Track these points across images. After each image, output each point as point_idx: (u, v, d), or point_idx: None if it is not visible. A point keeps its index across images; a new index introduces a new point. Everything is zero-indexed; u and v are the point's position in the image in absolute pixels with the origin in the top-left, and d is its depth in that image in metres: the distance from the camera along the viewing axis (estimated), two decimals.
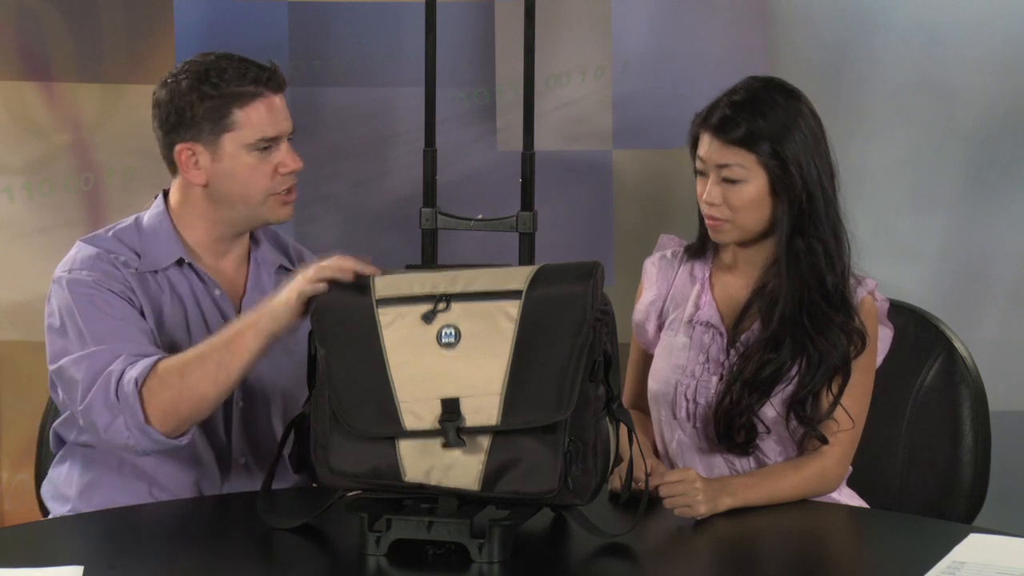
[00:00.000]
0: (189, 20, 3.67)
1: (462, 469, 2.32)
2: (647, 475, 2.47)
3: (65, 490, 2.80)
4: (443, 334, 2.33)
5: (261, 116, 2.74)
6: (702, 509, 2.51)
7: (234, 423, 2.79)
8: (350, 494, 2.44)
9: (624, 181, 3.76)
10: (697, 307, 2.80)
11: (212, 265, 2.82)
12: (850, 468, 2.77)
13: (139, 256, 2.77)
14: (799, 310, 2.69)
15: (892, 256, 3.70)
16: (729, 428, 2.70)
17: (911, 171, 3.78)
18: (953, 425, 2.94)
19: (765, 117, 2.69)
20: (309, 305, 2.45)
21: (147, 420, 2.58)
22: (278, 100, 2.76)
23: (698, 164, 2.74)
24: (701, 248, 2.84)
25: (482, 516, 2.33)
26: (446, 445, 2.30)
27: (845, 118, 3.64)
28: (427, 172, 3.31)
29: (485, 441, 2.32)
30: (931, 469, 2.95)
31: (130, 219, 2.84)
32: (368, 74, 3.74)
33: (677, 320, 2.81)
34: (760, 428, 2.70)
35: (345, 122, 3.75)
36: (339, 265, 2.44)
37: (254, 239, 2.87)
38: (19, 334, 3.66)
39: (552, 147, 3.71)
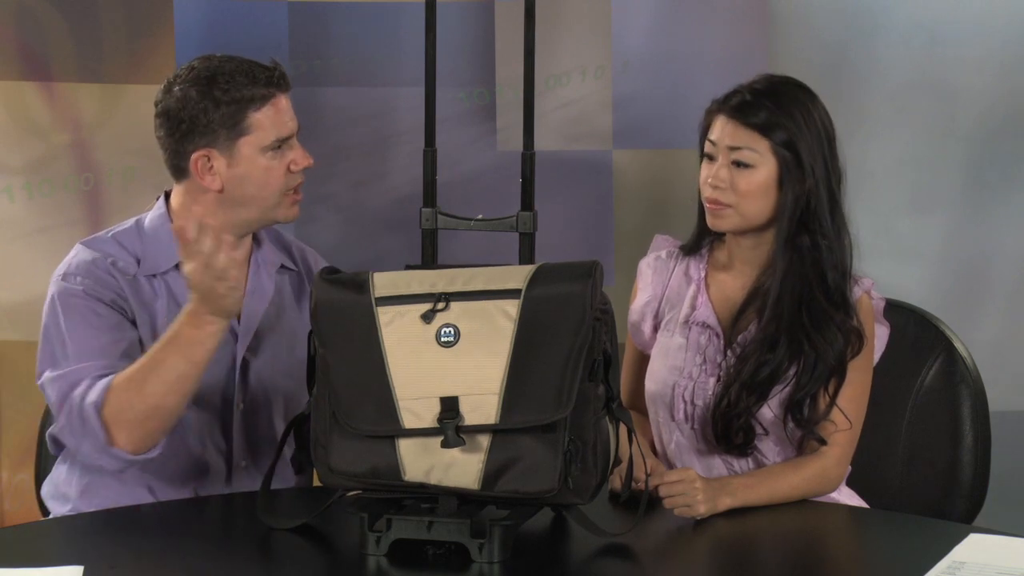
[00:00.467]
0: (189, 20, 3.67)
1: (462, 468, 2.32)
2: (647, 475, 2.47)
3: (65, 490, 2.80)
4: (442, 333, 2.33)
5: (274, 117, 2.75)
6: (702, 509, 2.51)
7: (235, 426, 2.79)
8: (350, 494, 2.44)
9: (624, 181, 3.76)
10: (693, 308, 2.79)
11: None
12: (849, 468, 2.77)
13: (138, 259, 2.77)
14: (798, 307, 2.69)
15: (892, 256, 3.70)
16: (727, 429, 2.70)
17: (911, 171, 3.78)
18: (953, 425, 2.94)
19: (784, 108, 2.70)
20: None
21: (112, 442, 2.61)
22: (285, 99, 2.78)
23: (707, 147, 2.74)
24: (697, 244, 2.83)
25: (482, 516, 2.33)
26: (445, 444, 2.30)
27: (845, 118, 3.62)
28: (427, 172, 3.31)
29: (485, 440, 2.32)
30: (931, 469, 2.95)
31: (131, 221, 2.84)
32: (368, 74, 3.74)
33: (673, 321, 2.81)
34: (758, 430, 2.70)
35: (345, 122, 3.75)
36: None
37: (256, 240, 2.87)
38: (19, 334, 3.66)
39: (552, 147, 3.71)
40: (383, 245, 3.72)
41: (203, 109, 2.72)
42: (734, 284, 2.78)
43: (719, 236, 2.82)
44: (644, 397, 2.84)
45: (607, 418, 2.40)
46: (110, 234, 2.81)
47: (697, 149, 2.79)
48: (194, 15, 3.68)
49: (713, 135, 2.73)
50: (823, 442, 2.68)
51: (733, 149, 2.70)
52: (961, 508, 2.92)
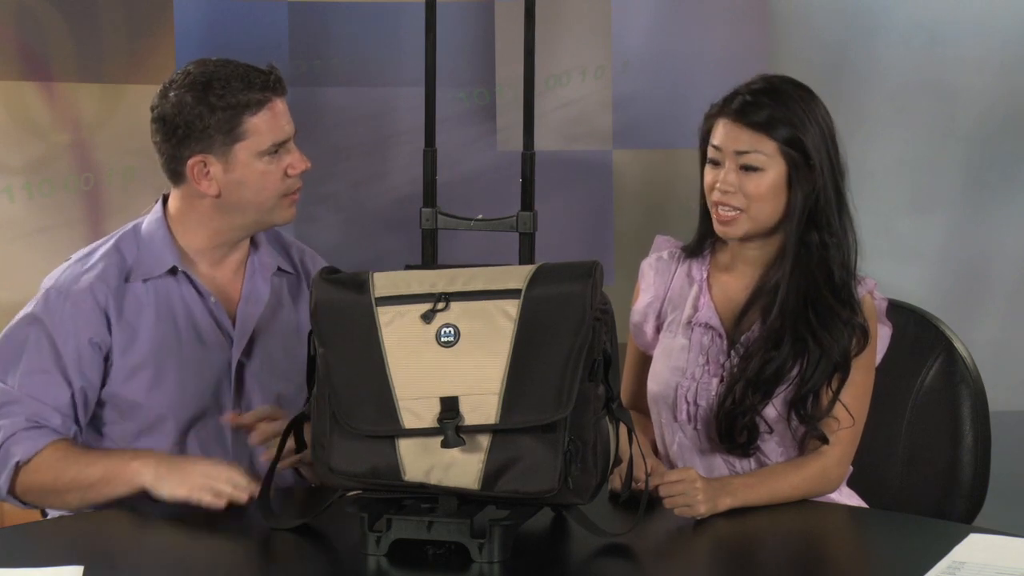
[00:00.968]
0: (189, 20, 3.67)
1: (462, 468, 2.32)
2: (647, 475, 2.47)
3: None
4: (442, 333, 2.33)
5: (270, 122, 2.74)
6: (702, 509, 2.51)
7: (231, 430, 2.78)
8: (350, 494, 2.44)
9: (624, 181, 3.77)
10: (696, 308, 2.79)
11: (208, 272, 2.81)
12: (850, 468, 2.77)
13: (132, 267, 2.76)
14: (804, 303, 2.68)
15: (892, 256, 3.70)
16: (731, 429, 2.70)
17: (911, 171, 3.78)
18: (953, 425, 2.94)
19: (785, 105, 2.69)
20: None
21: (12, 492, 2.67)
22: (282, 103, 2.77)
23: (711, 152, 2.72)
24: (699, 247, 2.83)
25: (482, 516, 2.33)
26: (445, 444, 2.30)
27: (845, 118, 3.62)
28: (427, 172, 3.31)
29: (485, 440, 2.32)
30: (931, 469, 2.95)
31: (129, 225, 2.84)
32: (368, 74, 3.75)
33: (675, 322, 2.81)
34: (762, 428, 2.70)
35: (345, 122, 3.76)
36: (230, 493, 2.51)
37: (253, 243, 2.86)
38: None
39: (552, 147, 3.71)
40: (383, 245, 3.72)
41: (199, 115, 2.71)
42: (737, 285, 2.78)
43: (721, 238, 2.81)
44: (646, 398, 2.84)
45: (607, 418, 2.40)
46: (111, 240, 2.80)
47: (697, 150, 2.78)
48: (194, 15, 3.68)
49: (716, 140, 2.71)
50: (825, 439, 2.68)
51: (740, 154, 2.69)
52: (961, 508, 2.92)
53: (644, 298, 2.86)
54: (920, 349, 2.97)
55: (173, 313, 2.77)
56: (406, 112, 3.69)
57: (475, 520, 2.31)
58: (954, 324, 3.01)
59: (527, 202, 3.28)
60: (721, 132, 2.70)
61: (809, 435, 2.70)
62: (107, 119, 3.66)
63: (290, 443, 2.55)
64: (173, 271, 2.77)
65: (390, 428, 2.33)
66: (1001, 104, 3.76)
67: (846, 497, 2.77)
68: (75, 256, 2.81)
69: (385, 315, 2.35)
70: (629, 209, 3.77)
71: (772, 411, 2.70)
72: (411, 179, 3.55)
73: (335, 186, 3.75)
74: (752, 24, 3.75)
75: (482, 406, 2.31)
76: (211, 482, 2.53)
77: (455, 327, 2.33)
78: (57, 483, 2.64)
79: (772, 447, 2.73)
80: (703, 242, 2.82)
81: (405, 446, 2.33)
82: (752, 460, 2.73)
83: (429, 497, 2.36)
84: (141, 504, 2.62)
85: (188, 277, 2.78)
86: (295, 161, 2.76)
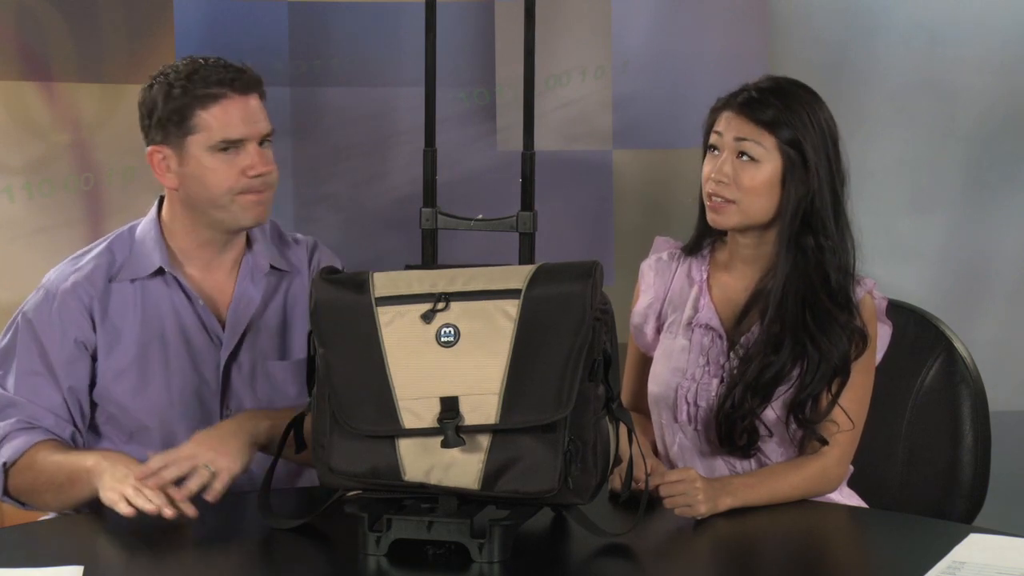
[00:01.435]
0: (189, 20, 3.67)
1: (462, 468, 2.32)
2: (647, 475, 2.47)
3: None
4: (442, 333, 2.33)
5: (223, 117, 2.71)
6: (702, 509, 2.51)
7: None
8: (350, 494, 2.44)
9: (624, 181, 3.76)
10: (696, 309, 2.79)
11: (198, 274, 2.79)
12: (851, 468, 2.77)
13: (121, 267, 2.76)
14: (802, 308, 2.69)
15: (892, 256, 3.70)
16: (731, 431, 2.70)
17: (911, 171, 3.78)
18: (953, 425, 2.94)
19: (791, 108, 2.70)
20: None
21: (6, 492, 2.69)
22: (248, 101, 2.73)
23: (713, 137, 2.73)
24: (698, 245, 2.83)
25: (482, 516, 2.33)
26: (445, 444, 2.30)
27: (845, 118, 3.61)
28: (427, 172, 3.31)
29: (485, 440, 2.32)
30: (931, 469, 2.95)
31: (127, 226, 2.84)
32: (368, 74, 3.74)
33: (676, 323, 2.81)
34: (762, 431, 2.70)
35: (345, 122, 3.75)
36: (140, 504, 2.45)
37: (249, 244, 2.84)
38: None
39: (552, 147, 3.71)
40: (383, 245, 3.72)
41: (155, 105, 2.73)
42: (736, 285, 2.78)
43: (720, 236, 2.81)
44: (646, 399, 2.84)
45: (607, 418, 2.40)
46: (105, 242, 2.81)
47: (699, 148, 2.78)
48: (194, 15, 3.68)
49: (719, 127, 2.72)
50: (824, 442, 2.68)
51: (739, 140, 2.69)
52: (961, 508, 2.92)
53: (644, 299, 2.86)
54: (920, 349, 2.97)
55: (160, 315, 2.76)
56: (406, 112, 3.69)
57: (475, 520, 2.31)
58: (954, 324, 3.01)
59: (527, 202, 3.27)
60: (724, 121, 2.72)
61: (808, 438, 2.70)
62: (107, 119, 3.66)
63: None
64: (161, 272, 2.76)
65: (390, 428, 2.33)
66: (1001, 104, 3.76)
67: (846, 497, 2.77)
68: (74, 254, 2.82)
69: (385, 315, 2.35)
70: (629, 209, 3.76)
71: (771, 414, 2.70)
72: (411, 179, 3.55)
73: (335, 186, 3.75)
74: (752, 24, 3.75)
75: (482, 406, 2.31)
76: (121, 489, 2.48)
77: (455, 327, 2.33)
78: (36, 483, 2.66)
79: (773, 448, 2.73)
80: (702, 239, 2.83)
81: (405, 446, 2.33)
82: (753, 461, 2.73)
83: (429, 497, 2.36)
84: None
85: (176, 279, 2.76)
86: (255, 162, 2.72)
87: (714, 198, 2.71)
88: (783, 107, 2.70)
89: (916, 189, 3.78)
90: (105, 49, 3.66)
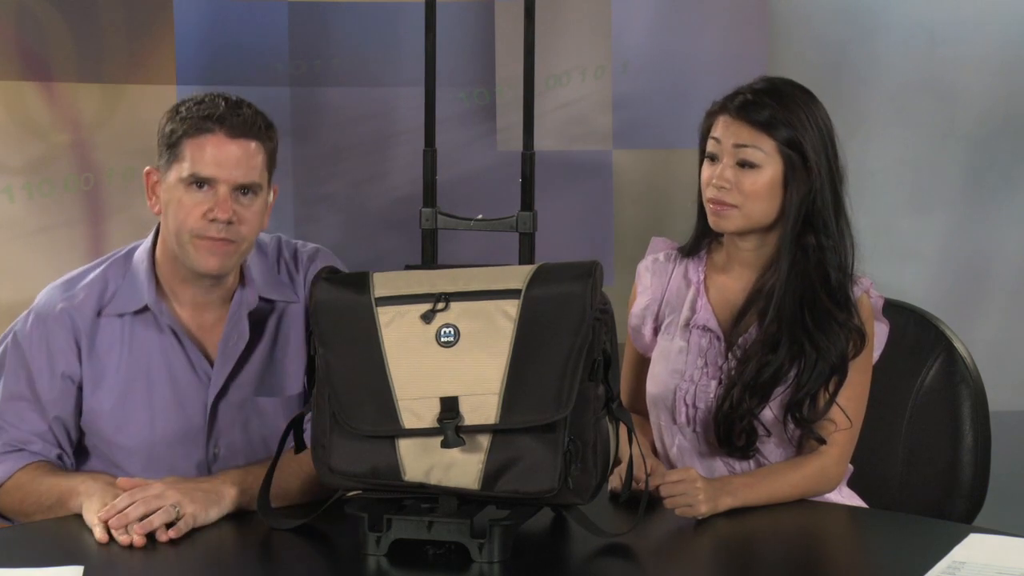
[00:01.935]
0: (189, 20, 3.67)
1: (462, 468, 2.32)
2: (647, 475, 2.47)
3: None
4: (442, 333, 2.33)
5: (198, 152, 2.61)
6: (703, 509, 2.51)
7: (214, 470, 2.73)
8: (350, 494, 2.44)
9: (624, 181, 3.77)
10: (693, 311, 2.79)
11: (186, 311, 2.71)
12: (851, 467, 2.76)
13: (110, 299, 2.70)
14: (800, 306, 2.68)
15: (892, 256, 3.70)
16: (729, 432, 2.70)
17: (911, 171, 3.79)
18: (953, 425, 2.94)
19: (787, 108, 2.69)
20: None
21: None
22: (232, 144, 2.61)
23: (711, 145, 2.72)
24: (696, 246, 2.83)
25: (482, 516, 2.33)
26: (445, 444, 2.30)
27: (845, 118, 3.62)
28: (427, 172, 3.31)
29: (485, 440, 2.32)
30: (931, 469, 2.95)
31: (127, 248, 2.76)
32: (368, 74, 3.75)
33: (673, 324, 2.81)
34: (760, 431, 2.70)
35: (345, 122, 3.76)
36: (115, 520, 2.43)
37: (242, 280, 2.73)
38: None
39: (552, 147, 3.71)
40: (383, 245, 3.72)
41: (161, 126, 2.66)
42: (734, 286, 2.78)
43: (717, 237, 2.81)
44: (643, 399, 2.83)
45: (607, 418, 2.40)
46: (102, 267, 2.74)
47: (697, 149, 2.78)
48: (194, 15, 3.68)
49: (716, 133, 2.72)
50: (822, 441, 2.68)
51: (739, 147, 2.69)
52: (961, 508, 2.92)
53: (641, 300, 2.86)
54: (920, 349, 2.97)
55: (146, 353, 2.69)
56: (406, 112, 3.69)
57: (475, 520, 2.31)
58: (954, 324, 3.01)
59: (527, 202, 3.28)
60: (721, 127, 2.71)
61: (806, 437, 2.70)
62: (107, 119, 3.66)
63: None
64: (145, 308, 2.68)
65: (390, 428, 2.33)
66: (1001, 104, 3.76)
67: (846, 497, 2.77)
68: (69, 275, 2.75)
69: (385, 315, 2.35)
70: (629, 209, 3.77)
71: (769, 414, 2.70)
72: (411, 179, 3.55)
73: (335, 186, 3.75)
74: (752, 24, 3.75)
75: (482, 406, 2.30)
76: (90, 517, 2.47)
77: (455, 327, 2.33)
78: (24, 505, 2.65)
79: (771, 448, 2.73)
80: (700, 241, 2.82)
81: (405, 446, 2.33)
82: (751, 462, 2.73)
83: (429, 497, 2.36)
84: None
85: (164, 318, 2.68)
86: (218, 207, 2.60)
87: (715, 204, 2.71)
88: (779, 107, 2.69)
89: (916, 189, 3.78)
90: (105, 49, 3.66)
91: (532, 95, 3.26)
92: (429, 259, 3.30)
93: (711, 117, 2.74)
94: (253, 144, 2.64)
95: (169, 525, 2.42)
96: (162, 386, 2.69)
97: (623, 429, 2.44)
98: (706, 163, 2.74)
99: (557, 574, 2.34)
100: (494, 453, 2.31)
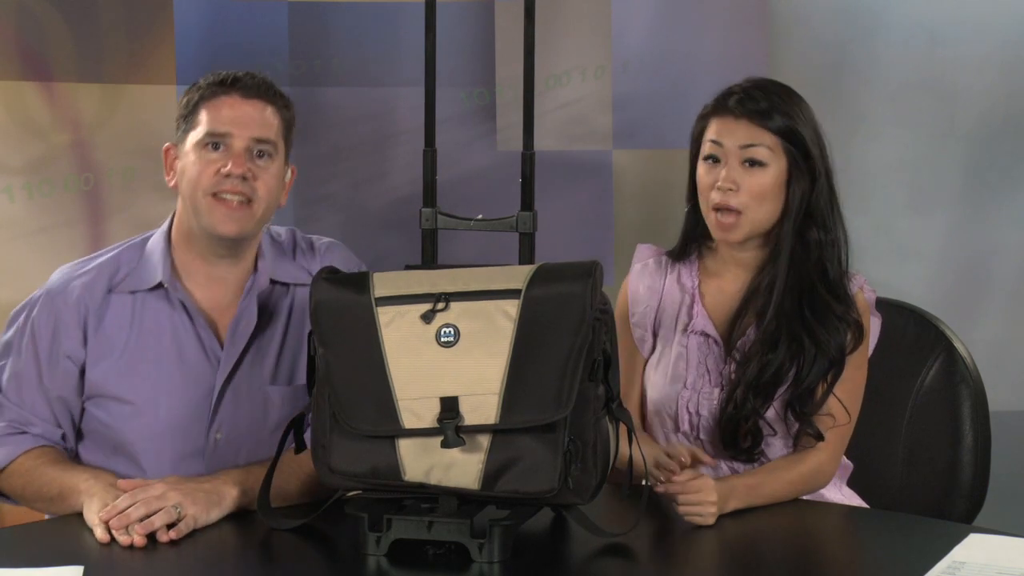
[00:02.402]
0: (189, 20, 3.67)
1: (462, 468, 2.32)
2: (647, 475, 2.47)
3: None
4: (442, 333, 2.33)
5: (214, 112, 2.67)
6: (712, 521, 2.50)
7: (207, 455, 2.71)
8: (350, 494, 2.44)
9: (624, 181, 3.77)
10: (690, 317, 2.78)
11: (200, 290, 2.73)
12: (851, 465, 2.77)
13: (123, 277, 2.72)
14: (799, 302, 2.68)
15: (892, 256, 3.70)
16: (735, 434, 2.70)
17: (911, 171, 3.78)
18: (953, 425, 2.94)
19: (782, 100, 2.69)
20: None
21: None
22: (245, 103, 2.67)
23: (711, 148, 2.71)
24: (684, 250, 2.81)
25: (482, 516, 2.33)
26: (445, 444, 2.30)
27: (845, 118, 3.64)
28: (427, 172, 3.31)
29: (485, 440, 2.32)
30: (931, 469, 2.95)
31: (141, 236, 2.79)
32: (368, 74, 3.74)
33: (670, 332, 2.80)
34: (766, 431, 2.70)
35: (345, 122, 3.76)
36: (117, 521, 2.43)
37: (258, 257, 2.75)
38: None
39: (552, 147, 3.71)
40: (383, 245, 3.72)
41: (181, 102, 2.72)
42: (729, 289, 2.78)
43: (707, 241, 2.80)
44: (636, 398, 2.83)
45: (607, 418, 2.40)
46: (118, 249, 2.76)
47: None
48: (194, 15, 3.68)
49: (715, 136, 2.70)
50: (821, 437, 2.68)
51: (745, 147, 2.68)
52: (961, 508, 2.92)
53: (637, 309, 2.83)
54: (920, 349, 2.97)
55: (156, 331, 2.70)
56: (406, 112, 3.69)
57: (475, 520, 2.31)
58: (954, 324, 3.01)
59: (527, 202, 3.28)
60: (720, 128, 2.70)
61: (803, 432, 2.70)
62: (107, 119, 3.66)
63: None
64: (162, 286, 2.71)
65: (390, 428, 2.33)
66: (1001, 104, 3.76)
67: (846, 497, 2.77)
68: (84, 257, 2.78)
69: (385, 315, 2.35)
70: (629, 209, 3.76)
71: (771, 411, 2.70)
72: (411, 179, 3.55)
73: (335, 186, 3.75)
74: (752, 24, 3.75)
75: (482, 406, 2.31)
76: (91, 517, 2.47)
77: (455, 327, 2.33)
78: (25, 492, 2.66)
79: (777, 449, 2.72)
80: (688, 245, 2.81)
81: (405, 446, 2.33)
82: (755, 464, 2.73)
83: (429, 497, 2.36)
84: None
85: (177, 295, 2.70)
86: (231, 161, 2.64)
87: (720, 215, 2.69)
88: (773, 99, 2.69)
89: (916, 189, 3.78)
90: (105, 49, 3.66)
91: (532, 95, 3.26)
92: (429, 259, 3.29)
93: (704, 120, 2.73)
94: (269, 108, 2.70)
95: (170, 526, 2.42)
96: (170, 365, 2.69)
97: (623, 429, 2.44)
98: (704, 167, 2.72)
99: (557, 574, 2.34)
100: (494, 453, 2.31)
